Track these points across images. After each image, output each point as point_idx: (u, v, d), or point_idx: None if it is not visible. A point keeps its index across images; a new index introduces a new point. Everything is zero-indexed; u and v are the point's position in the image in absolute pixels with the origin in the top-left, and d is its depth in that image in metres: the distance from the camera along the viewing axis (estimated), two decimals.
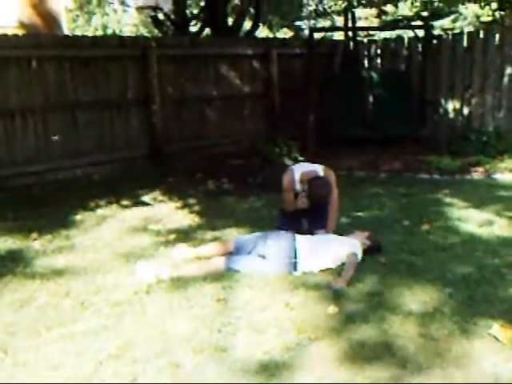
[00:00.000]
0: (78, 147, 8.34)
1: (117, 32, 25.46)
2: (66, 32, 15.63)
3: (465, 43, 10.35)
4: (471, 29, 15.69)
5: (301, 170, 5.13)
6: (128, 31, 26.17)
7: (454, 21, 19.84)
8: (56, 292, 4.11)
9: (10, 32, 8.28)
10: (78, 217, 6.20)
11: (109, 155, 8.63)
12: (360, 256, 4.53)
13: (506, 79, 9.90)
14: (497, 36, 10.01)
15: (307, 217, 5.18)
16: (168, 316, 3.70)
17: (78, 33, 23.62)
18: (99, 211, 6.47)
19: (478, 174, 8.10)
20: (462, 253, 4.76)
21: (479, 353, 3.16)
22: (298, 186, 5.06)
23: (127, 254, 4.89)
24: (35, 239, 5.36)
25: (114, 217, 6.25)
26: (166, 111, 9.21)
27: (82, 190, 7.44)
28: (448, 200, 6.59)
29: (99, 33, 25.10)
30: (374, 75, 10.91)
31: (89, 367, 3.08)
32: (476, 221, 5.69)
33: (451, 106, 10.53)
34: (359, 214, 6.10)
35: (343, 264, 4.41)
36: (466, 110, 10.40)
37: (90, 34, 23.55)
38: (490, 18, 17.54)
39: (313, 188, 4.91)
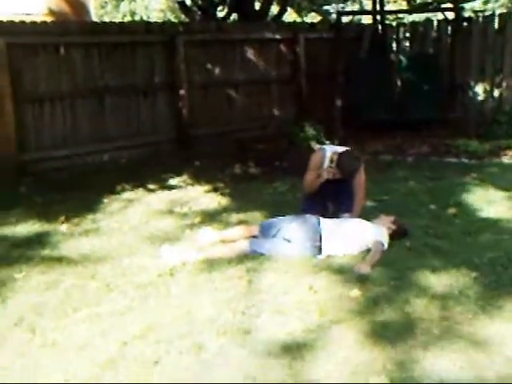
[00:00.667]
0: (105, 132, 8.42)
1: (144, 18, 25.49)
2: (95, 18, 15.74)
3: (496, 25, 10.15)
4: (503, 10, 15.38)
5: (332, 150, 5.10)
6: (155, 17, 26.19)
7: (486, 2, 19.43)
8: (82, 274, 4.17)
9: (38, 19, 8.37)
10: (105, 200, 6.27)
11: (136, 140, 8.69)
12: (386, 244, 4.48)
13: None
14: None
15: (332, 200, 5.16)
16: (192, 298, 3.73)
17: (107, 19, 23.73)
18: (125, 195, 6.54)
19: (507, 157, 7.98)
20: (488, 237, 4.71)
21: (504, 337, 3.12)
22: (327, 163, 5.02)
23: (153, 237, 4.94)
24: (62, 223, 5.42)
25: (140, 200, 6.31)
26: (192, 96, 9.21)
27: (109, 174, 7.51)
28: (476, 184, 6.50)
29: (127, 19, 25.18)
30: (403, 59, 10.77)
31: (114, 347, 3.12)
32: (504, 205, 5.62)
33: (481, 89, 10.36)
34: (385, 197, 6.05)
35: (368, 250, 4.39)
36: (496, 93, 10.23)
37: (118, 20, 23.67)
38: None
39: (343, 159, 4.88)
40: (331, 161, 4.97)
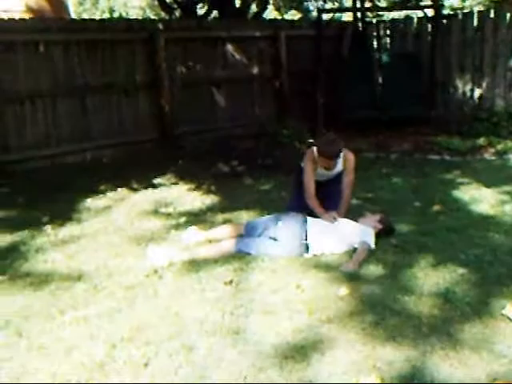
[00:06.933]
0: (87, 131, 8.35)
1: (123, 15, 25.32)
2: (73, 15, 15.60)
3: (475, 22, 10.23)
4: (481, 8, 15.49)
5: None
6: (135, 14, 26.04)
7: (464, 0, 19.59)
8: (68, 276, 4.13)
9: (16, 16, 8.27)
10: (89, 200, 6.22)
11: (118, 138, 8.63)
12: (373, 245, 4.47)
13: None
14: (507, 15, 9.88)
15: (319, 198, 5.13)
16: (180, 299, 3.71)
17: (85, 16, 23.55)
18: (109, 195, 6.48)
19: (488, 154, 8.05)
20: (474, 234, 4.74)
21: (492, 334, 3.14)
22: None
23: (138, 238, 4.90)
24: (46, 223, 5.37)
25: (123, 200, 6.26)
26: (174, 94, 9.17)
27: (92, 173, 7.45)
28: (459, 181, 6.56)
29: (106, 16, 25.00)
30: (384, 56, 10.80)
31: (102, 350, 3.09)
32: (488, 201, 5.67)
33: (461, 86, 10.43)
34: (370, 195, 6.08)
35: (355, 249, 4.38)
36: (476, 91, 10.30)
37: (96, 17, 23.47)
38: None
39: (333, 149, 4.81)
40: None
